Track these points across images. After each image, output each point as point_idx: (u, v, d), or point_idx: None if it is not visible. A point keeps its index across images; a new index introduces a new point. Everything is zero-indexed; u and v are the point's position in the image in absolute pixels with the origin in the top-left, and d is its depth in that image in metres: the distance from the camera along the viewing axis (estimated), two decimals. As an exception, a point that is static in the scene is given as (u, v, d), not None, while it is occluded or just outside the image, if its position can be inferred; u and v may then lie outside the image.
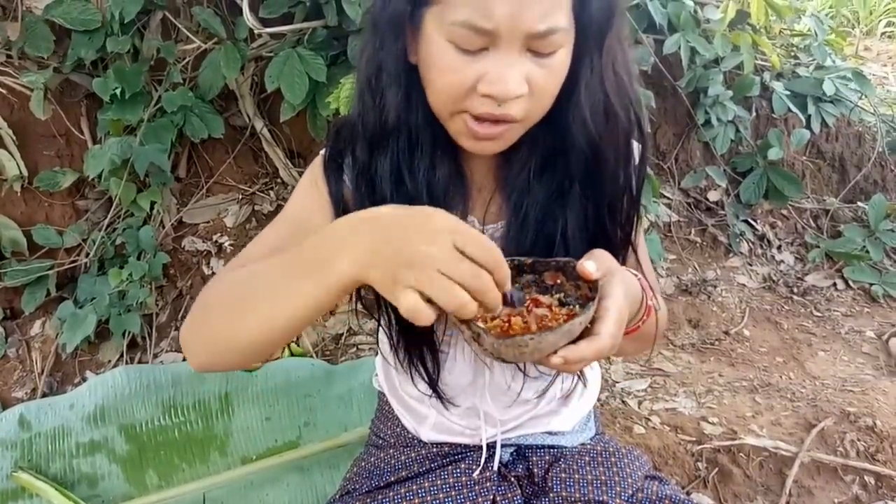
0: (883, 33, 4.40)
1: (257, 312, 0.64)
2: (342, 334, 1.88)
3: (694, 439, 1.56)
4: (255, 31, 1.75)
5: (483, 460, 0.88)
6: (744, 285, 2.28)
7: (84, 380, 1.77)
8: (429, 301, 0.54)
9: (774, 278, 2.33)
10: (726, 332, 2.06)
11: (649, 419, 1.63)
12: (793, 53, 2.68)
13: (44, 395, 1.74)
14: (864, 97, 2.54)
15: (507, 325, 0.64)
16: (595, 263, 0.65)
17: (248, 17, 1.70)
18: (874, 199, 2.40)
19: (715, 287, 2.22)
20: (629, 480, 0.86)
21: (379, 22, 0.70)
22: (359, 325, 1.88)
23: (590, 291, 0.64)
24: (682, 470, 1.50)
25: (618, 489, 0.85)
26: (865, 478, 1.48)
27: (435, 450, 0.92)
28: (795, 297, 2.25)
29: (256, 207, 2.01)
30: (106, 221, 1.90)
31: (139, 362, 1.80)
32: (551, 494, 0.85)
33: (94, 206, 1.96)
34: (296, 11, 1.77)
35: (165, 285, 1.92)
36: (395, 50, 0.70)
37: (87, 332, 1.75)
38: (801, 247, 2.47)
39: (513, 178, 0.78)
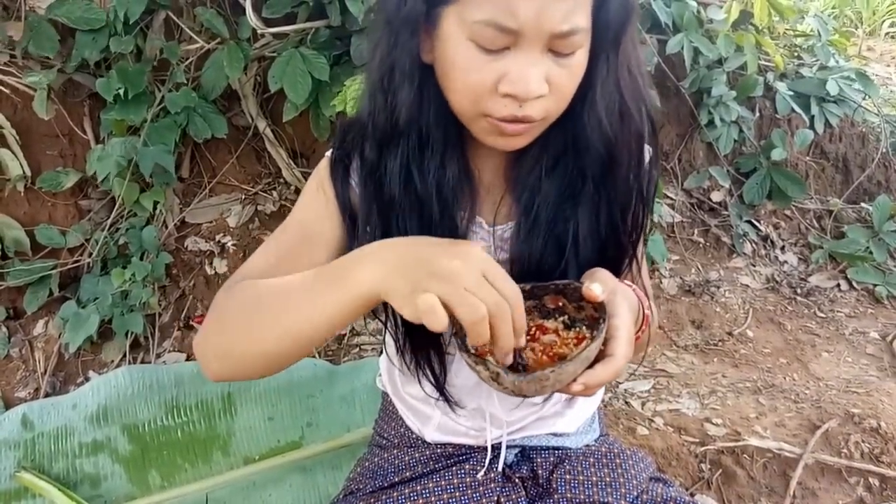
0: (886, 33, 4.39)
1: (276, 325, 0.65)
2: (345, 334, 1.88)
3: (697, 440, 1.56)
4: (258, 31, 1.75)
5: (487, 461, 0.87)
6: (747, 286, 2.28)
7: (87, 380, 1.77)
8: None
9: (778, 279, 2.32)
10: (730, 333, 2.05)
11: (653, 420, 1.63)
12: (796, 54, 2.67)
13: (46, 395, 1.74)
14: (867, 97, 2.53)
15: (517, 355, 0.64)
16: (599, 286, 0.65)
17: (251, 17, 1.70)
18: (878, 199, 2.40)
19: (718, 288, 2.22)
20: (633, 482, 0.86)
21: (393, 20, 0.69)
22: (363, 325, 1.88)
23: (594, 311, 0.64)
24: (686, 471, 1.49)
25: (622, 491, 0.84)
26: (870, 479, 1.47)
27: (439, 450, 0.92)
28: (799, 298, 2.24)
29: (259, 207, 2.01)
30: (109, 221, 1.90)
31: (142, 362, 1.80)
32: (556, 496, 0.85)
33: (96, 206, 1.96)
34: (299, 11, 1.77)
35: (168, 285, 1.92)
36: (409, 49, 0.69)
37: (89, 331, 1.75)
38: (805, 247, 2.46)
39: (523, 177, 0.77)
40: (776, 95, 2.39)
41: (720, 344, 2.00)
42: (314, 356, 1.76)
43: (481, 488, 0.84)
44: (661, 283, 2.21)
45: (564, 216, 0.76)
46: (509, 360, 0.60)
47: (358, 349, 1.84)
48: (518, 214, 0.78)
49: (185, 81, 1.83)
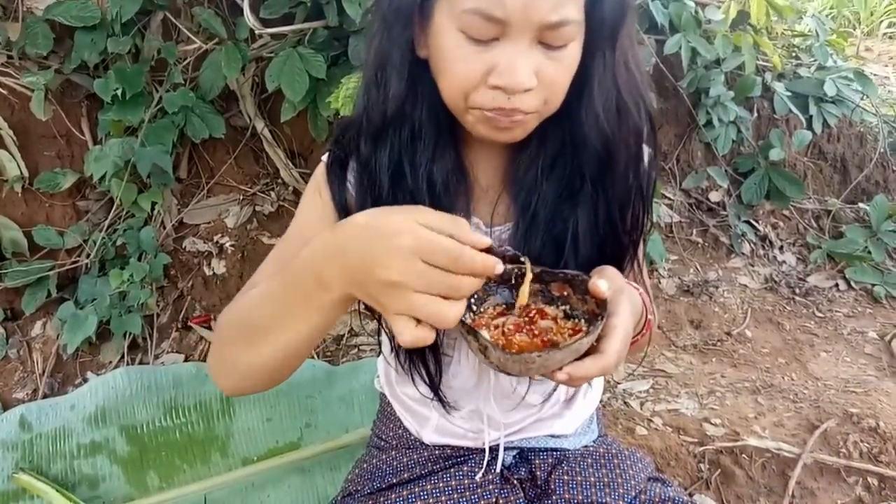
0: (884, 34, 4.40)
1: (267, 339, 0.66)
2: (343, 335, 1.88)
3: (696, 440, 1.56)
4: (256, 32, 1.75)
5: (486, 463, 0.87)
6: (745, 286, 2.28)
7: (85, 381, 1.77)
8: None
9: (776, 279, 2.32)
10: (728, 333, 2.05)
11: (651, 420, 1.63)
12: (794, 54, 2.67)
13: (45, 397, 1.74)
14: (865, 98, 2.53)
15: (512, 334, 0.64)
16: (606, 282, 0.64)
17: (248, 18, 1.70)
18: (876, 199, 2.40)
19: (717, 288, 2.22)
20: (632, 482, 0.86)
21: (387, 14, 0.70)
22: (361, 326, 1.88)
23: (596, 307, 0.64)
24: (685, 471, 1.49)
25: (620, 491, 0.84)
26: (868, 479, 1.47)
27: (437, 452, 0.92)
28: (797, 298, 2.25)
29: (257, 208, 2.01)
30: (107, 222, 1.89)
31: (140, 363, 1.80)
32: (554, 497, 0.84)
33: (94, 207, 1.95)
34: (296, 12, 1.77)
35: (166, 286, 1.92)
36: (401, 42, 0.69)
37: (87, 332, 1.75)
38: (803, 247, 2.46)
39: (521, 177, 0.77)
40: (774, 96, 2.39)
41: (719, 344, 2.00)
42: (313, 357, 1.76)
43: (479, 490, 0.84)
44: (659, 283, 2.21)
45: (563, 216, 0.76)
46: (500, 268, 0.57)
47: (356, 350, 1.84)
48: (516, 215, 0.78)
49: (183, 82, 1.83)
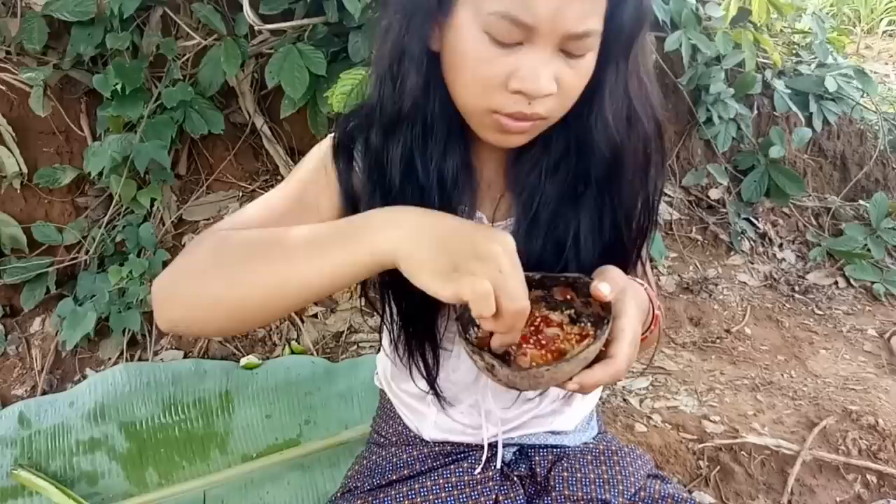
0: (884, 31, 4.40)
1: (270, 273, 0.61)
2: (343, 332, 1.88)
3: (695, 438, 1.56)
4: (256, 28, 1.74)
5: (485, 459, 0.87)
6: (745, 283, 2.28)
7: (84, 377, 1.77)
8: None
9: (776, 276, 2.33)
10: (727, 331, 2.05)
11: (651, 417, 1.63)
12: (794, 51, 2.67)
13: (44, 393, 1.74)
14: (865, 95, 2.53)
15: (519, 346, 0.64)
16: (609, 285, 0.64)
17: (248, 14, 1.70)
18: (876, 197, 2.40)
19: (716, 285, 2.22)
20: (631, 479, 0.86)
21: (407, 5, 0.69)
22: (363, 320, 1.88)
23: (601, 309, 0.64)
24: (684, 468, 1.49)
25: (620, 488, 0.84)
26: (867, 476, 1.48)
27: (437, 448, 0.91)
28: (797, 296, 2.25)
29: (257, 205, 2.00)
30: (106, 218, 1.89)
31: (139, 360, 1.80)
32: (554, 493, 0.84)
33: (93, 203, 1.95)
34: (296, 8, 1.76)
35: (165, 283, 1.91)
36: (421, 35, 0.69)
37: (86, 329, 1.74)
38: (803, 245, 2.46)
39: (524, 175, 0.76)
40: (774, 93, 2.39)
41: (718, 341, 2.00)
42: (312, 354, 1.76)
43: (479, 486, 0.84)
44: (659, 280, 2.21)
45: (565, 217, 0.75)
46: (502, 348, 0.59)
47: (356, 347, 1.84)
48: (517, 213, 0.78)
49: (182, 78, 1.83)
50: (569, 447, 0.92)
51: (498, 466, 0.87)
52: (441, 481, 0.85)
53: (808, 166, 2.57)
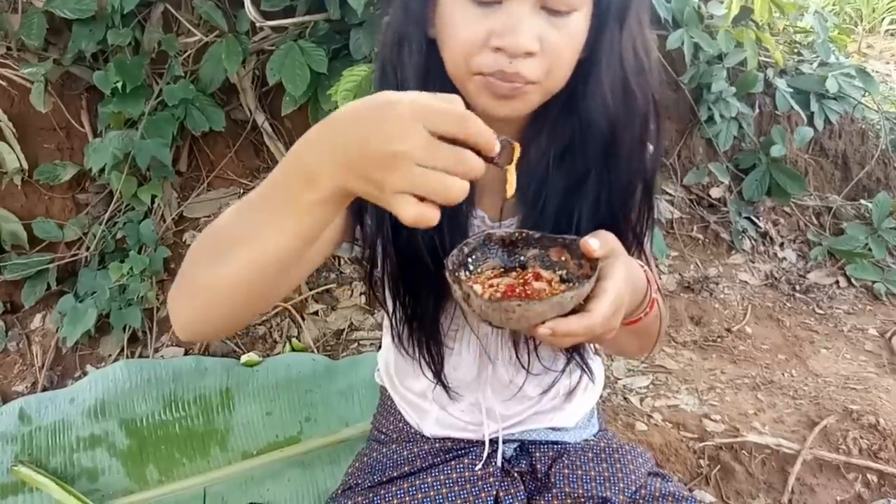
0: (886, 31, 4.39)
1: (241, 251, 0.59)
2: (343, 330, 1.88)
3: (696, 436, 1.56)
4: (257, 25, 1.74)
5: (486, 456, 0.87)
6: (746, 282, 2.28)
7: (84, 374, 1.77)
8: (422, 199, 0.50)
9: (777, 276, 2.32)
10: (728, 330, 2.05)
11: (651, 416, 1.63)
12: (796, 50, 2.67)
13: (44, 389, 1.74)
14: (867, 94, 2.53)
15: (503, 293, 0.64)
16: (598, 241, 0.63)
17: (249, 10, 1.69)
18: (877, 196, 2.39)
19: (717, 284, 2.22)
20: (632, 477, 0.86)
21: None
22: (362, 321, 1.88)
23: (591, 271, 0.64)
24: (685, 467, 1.49)
25: (620, 486, 0.84)
26: (868, 476, 1.47)
27: (437, 445, 0.91)
28: (798, 295, 2.24)
29: (257, 202, 2.00)
30: (106, 215, 1.89)
31: (140, 357, 1.80)
32: (554, 490, 0.85)
33: (94, 200, 1.95)
34: (298, 4, 1.76)
35: (166, 279, 1.91)
36: (418, 20, 0.70)
37: (87, 326, 1.74)
38: (804, 244, 2.46)
39: (532, 167, 0.75)
40: (776, 92, 2.39)
41: (719, 340, 2.00)
42: (313, 351, 1.76)
43: (480, 483, 0.84)
44: (659, 279, 2.21)
45: (569, 209, 0.75)
46: (497, 147, 0.53)
47: (356, 344, 1.84)
48: (522, 207, 0.78)
49: (183, 74, 1.83)
50: (569, 444, 0.92)
51: (499, 463, 0.87)
52: (442, 478, 0.85)
53: (809, 165, 2.57)
